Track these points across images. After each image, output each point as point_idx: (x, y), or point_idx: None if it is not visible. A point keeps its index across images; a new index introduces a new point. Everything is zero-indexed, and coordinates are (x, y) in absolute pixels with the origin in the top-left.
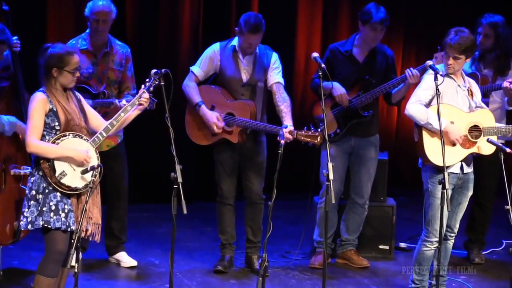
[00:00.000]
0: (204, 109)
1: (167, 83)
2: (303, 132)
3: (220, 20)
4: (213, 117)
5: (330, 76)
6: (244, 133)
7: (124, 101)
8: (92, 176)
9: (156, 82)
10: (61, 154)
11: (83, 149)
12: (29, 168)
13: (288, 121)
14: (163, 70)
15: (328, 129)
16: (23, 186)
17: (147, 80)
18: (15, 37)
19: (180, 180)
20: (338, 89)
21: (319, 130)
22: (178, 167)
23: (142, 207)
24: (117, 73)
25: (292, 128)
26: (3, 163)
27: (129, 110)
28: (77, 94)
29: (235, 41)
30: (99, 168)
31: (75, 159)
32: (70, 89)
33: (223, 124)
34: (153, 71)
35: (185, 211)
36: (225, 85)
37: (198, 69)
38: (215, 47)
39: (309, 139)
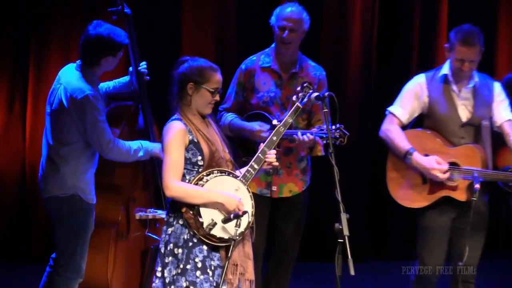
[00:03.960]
0: (417, 156)
1: (332, 107)
2: None
3: (397, 44)
4: (432, 162)
5: None
6: (472, 188)
7: (308, 135)
8: (235, 226)
9: (306, 98)
10: (209, 200)
11: (233, 189)
12: (157, 211)
13: None
14: (326, 93)
15: None
16: (149, 234)
17: (300, 91)
18: (143, 63)
19: (346, 232)
20: None
21: None
22: (344, 216)
23: (299, 266)
24: None
25: None
26: (125, 206)
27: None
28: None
29: (445, 69)
30: (245, 214)
31: (226, 206)
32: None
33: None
34: (315, 94)
35: (352, 272)
36: (437, 127)
37: (399, 110)
38: (420, 79)
39: None
